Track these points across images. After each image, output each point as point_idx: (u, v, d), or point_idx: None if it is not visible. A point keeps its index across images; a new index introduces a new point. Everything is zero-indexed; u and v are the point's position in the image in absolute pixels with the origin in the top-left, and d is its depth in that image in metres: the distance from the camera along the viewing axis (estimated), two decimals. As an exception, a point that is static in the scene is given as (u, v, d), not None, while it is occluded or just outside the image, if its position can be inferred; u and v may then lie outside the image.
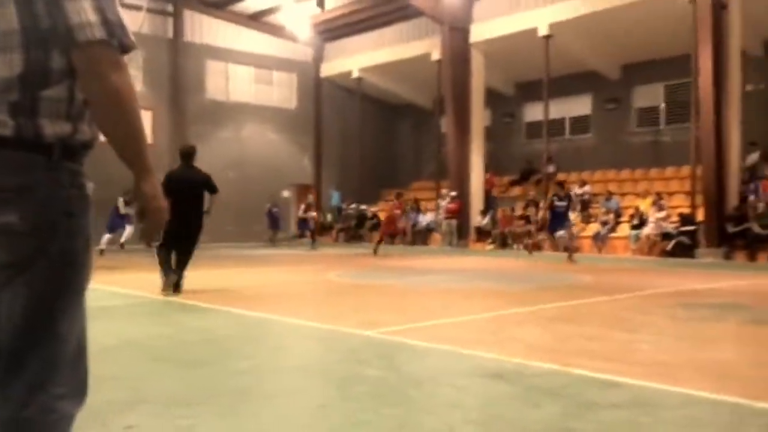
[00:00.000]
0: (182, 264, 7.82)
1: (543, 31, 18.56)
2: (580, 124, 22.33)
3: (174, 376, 4.00)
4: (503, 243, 19.29)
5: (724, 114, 15.33)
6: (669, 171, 19.39)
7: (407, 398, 3.41)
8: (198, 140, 21.87)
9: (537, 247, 18.21)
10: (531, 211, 19.48)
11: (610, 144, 21.30)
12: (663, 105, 20.34)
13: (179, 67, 22.16)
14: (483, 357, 4.34)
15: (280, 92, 25.08)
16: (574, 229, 16.50)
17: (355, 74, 24.43)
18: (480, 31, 20.35)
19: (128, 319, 6.28)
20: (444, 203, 20.50)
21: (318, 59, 25.69)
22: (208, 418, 3.06)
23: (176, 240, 7.56)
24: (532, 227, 18.85)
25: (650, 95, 20.58)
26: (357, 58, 24.35)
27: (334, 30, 24.38)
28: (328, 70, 25.63)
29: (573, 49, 19.33)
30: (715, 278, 10.40)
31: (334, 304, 7.50)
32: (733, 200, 15.51)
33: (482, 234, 20.32)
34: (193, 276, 8.15)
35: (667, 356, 4.48)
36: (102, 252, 14.86)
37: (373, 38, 23.92)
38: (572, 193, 14.34)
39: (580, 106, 22.13)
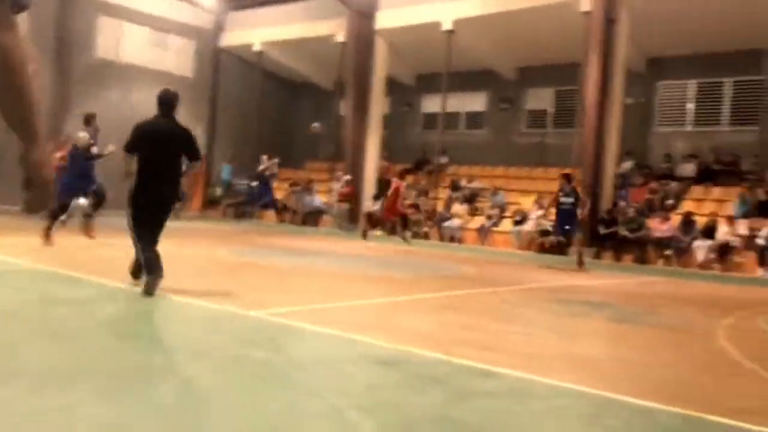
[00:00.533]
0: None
1: (446, 26, 18.95)
2: (474, 119, 23.06)
3: (50, 350, 3.79)
4: (392, 230, 19.62)
5: (605, 123, 16.39)
6: (552, 172, 20.42)
7: (295, 382, 3.44)
8: (82, 100, 20.62)
9: (425, 236, 18.75)
10: (421, 200, 19.98)
11: (501, 141, 22.17)
12: (552, 109, 21.42)
13: (67, 21, 20.62)
14: (371, 343, 4.44)
15: (177, 58, 23.95)
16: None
17: (257, 47, 23.83)
18: (385, 19, 20.46)
19: (2, 287, 5.87)
20: (338, 186, 20.53)
21: (219, 27, 24.76)
22: (86, 397, 2.94)
23: (147, 212, 5.93)
24: (421, 216, 19.34)
25: (541, 98, 21.58)
26: (260, 31, 23.71)
27: (238, -1, 23.66)
28: (228, 39, 24.79)
29: (473, 47, 19.89)
30: (585, 276, 11.16)
31: (223, 282, 7.36)
32: (606, 204, 16.64)
33: (372, 219, 20.57)
34: (76, 245, 7.70)
35: (540, 348, 4.79)
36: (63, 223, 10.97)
37: (279, 13, 23.38)
38: (579, 189, 12.72)
39: (476, 102, 22.84)
